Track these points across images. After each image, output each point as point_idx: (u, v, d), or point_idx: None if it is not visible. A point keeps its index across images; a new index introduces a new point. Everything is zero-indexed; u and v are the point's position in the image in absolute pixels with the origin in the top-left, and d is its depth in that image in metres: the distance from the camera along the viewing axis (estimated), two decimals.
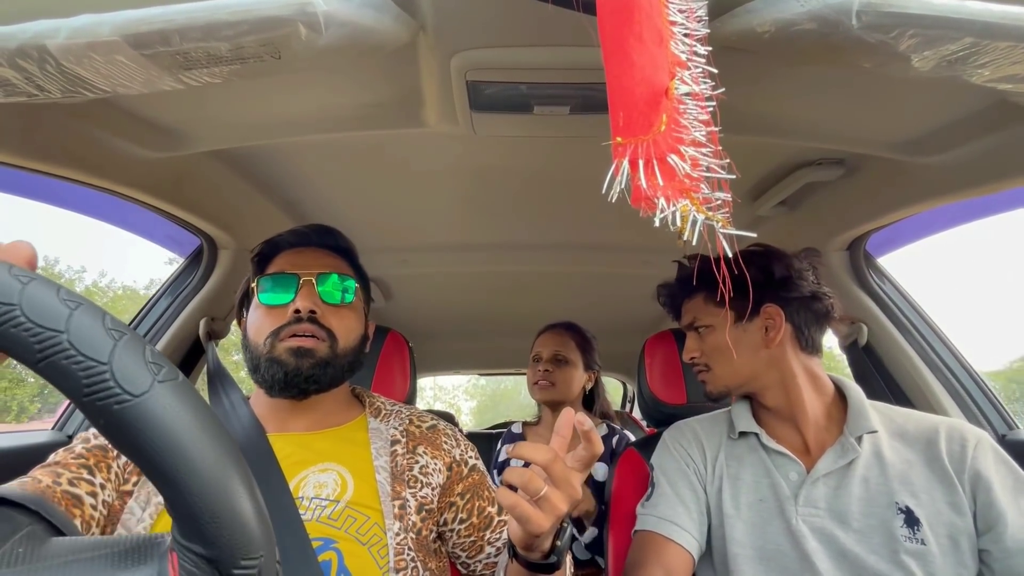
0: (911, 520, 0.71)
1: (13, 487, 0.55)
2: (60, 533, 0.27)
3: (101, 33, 0.46)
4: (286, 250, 0.82)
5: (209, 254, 1.25)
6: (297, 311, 0.74)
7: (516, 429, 1.59)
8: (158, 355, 0.26)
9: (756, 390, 0.86)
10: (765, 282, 0.82)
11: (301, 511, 0.65)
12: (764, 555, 0.77)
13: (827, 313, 0.85)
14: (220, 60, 0.51)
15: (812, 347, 0.85)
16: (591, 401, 1.57)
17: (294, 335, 0.73)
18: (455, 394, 24.86)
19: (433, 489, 0.76)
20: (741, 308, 0.84)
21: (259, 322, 0.76)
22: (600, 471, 1.34)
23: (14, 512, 0.26)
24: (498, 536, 0.80)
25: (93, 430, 0.71)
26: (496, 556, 0.79)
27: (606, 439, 1.40)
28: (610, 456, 1.36)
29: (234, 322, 1.10)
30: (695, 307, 0.91)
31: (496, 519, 0.81)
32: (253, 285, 0.79)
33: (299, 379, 0.73)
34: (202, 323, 1.24)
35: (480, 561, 0.79)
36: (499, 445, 1.61)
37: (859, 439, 0.77)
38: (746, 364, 0.84)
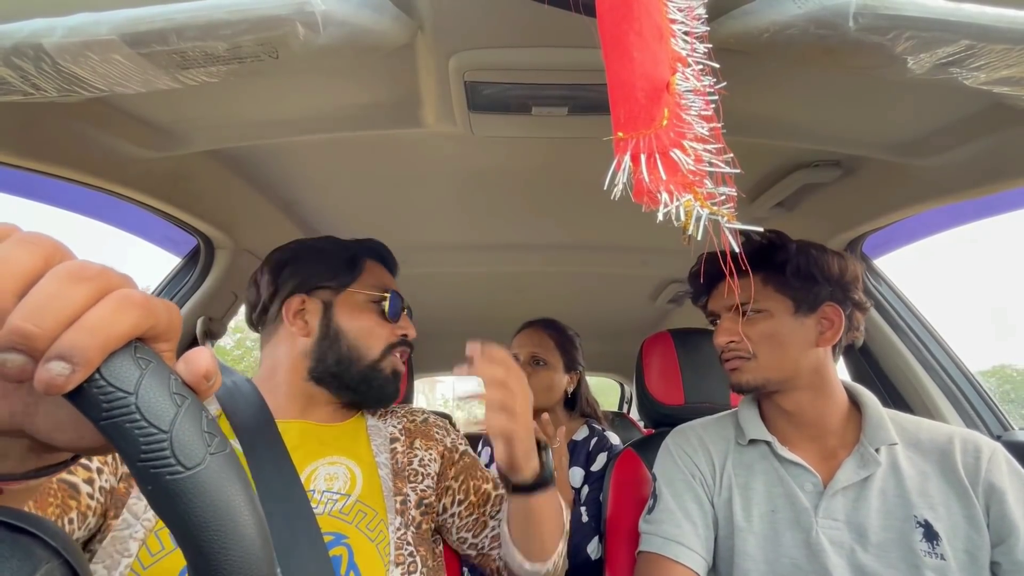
0: (930, 534, 0.69)
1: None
2: (75, 574, 0.26)
3: (98, 32, 0.46)
4: (375, 261, 0.87)
5: (206, 254, 1.25)
6: (406, 335, 0.84)
7: None
8: (213, 424, 0.26)
9: (787, 389, 0.81)
10: (834, 279, 0.80)
11: (313, 504, 0.63)
12: (777, 570, 0.74)
13: (859, 325, 0.83)
14: (218, 59, 0.51)
15: (838, 354, 0.83)
16: (573, 403, 1.44)
17: (399, 355, 0.83)
18: (471, 403, 25.17)
19: (432, 479, 0.78)
20: (808, 299, 0.79)
21: (374, 330, 0.81)
22: (576, 476, 1.25)
23: (34, 545, 0.25)
24: (497, 510, 0.81)
25: None
26: (499, 529, 0.79)
27: (584, 442, 1.31)
28: (585, 459, 1.28)
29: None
30: (750, 287, 0.82)
31: (493, 494, 0.82)
32: (382, 294, 0.82)
33: (395, 395, 0.82)
34: (199, 323, 1.24)
35: (487, 535, 0.80)
36: (480, 446, 1.57)
37: (877, 450, 0.74)
38: (794, 359, 0.79)
